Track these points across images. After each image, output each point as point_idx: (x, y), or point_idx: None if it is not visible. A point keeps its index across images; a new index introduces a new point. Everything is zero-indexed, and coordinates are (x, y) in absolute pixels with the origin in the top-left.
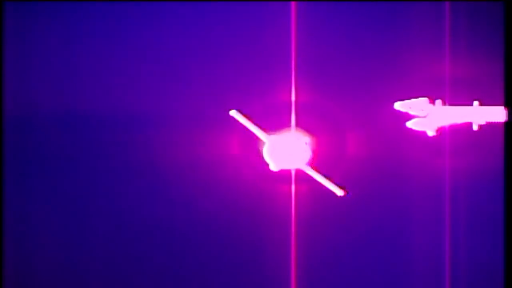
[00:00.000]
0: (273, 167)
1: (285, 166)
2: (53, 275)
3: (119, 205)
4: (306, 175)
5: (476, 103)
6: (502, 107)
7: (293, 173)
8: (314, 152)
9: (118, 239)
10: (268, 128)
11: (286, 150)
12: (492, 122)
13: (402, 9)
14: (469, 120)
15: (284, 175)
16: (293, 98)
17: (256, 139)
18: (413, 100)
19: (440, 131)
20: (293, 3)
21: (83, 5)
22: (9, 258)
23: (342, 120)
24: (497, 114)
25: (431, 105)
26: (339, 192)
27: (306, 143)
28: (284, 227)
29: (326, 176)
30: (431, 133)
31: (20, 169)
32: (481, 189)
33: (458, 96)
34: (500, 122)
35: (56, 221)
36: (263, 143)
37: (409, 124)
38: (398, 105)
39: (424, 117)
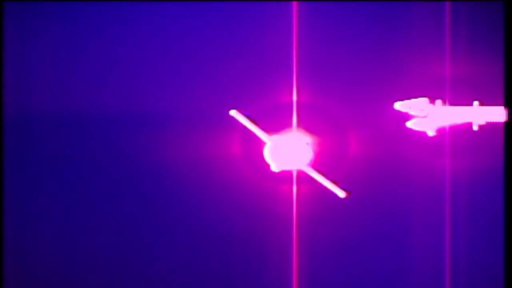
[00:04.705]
0: (275, 167)
1: (287, 167)
2: (53, 275)
3: (119, 205)
4: (308, 176)
5: (476, 103)
6: (502, 107)
7: (294, 173)
8: (316, 152)
9: (118, 239)
10: (269, 128)
11: (288, 151)
12: (492, 122)
13: (402, 9)
14: (469, 120)
15: (285, 175)
16: (294, 98)
17: (257, 139)
18: (413, 100)
19: (440, 131)
20: (294, 3)
21: (83, 5)
22: (9, 258)
23: (343, 120)
24: (497, 114)
25: (431, 105)
26: (340, 193)
27: (307, 144)
28: (285, 228)
29: (327, 177)
30: (431, 133)
31: (20, 169)
32: (481, 189)
33: (458, 96)
34: (500, 122)
35: (56, 221)
36: (265, 143)
37: (409, 124)
38: (398, 105)
39: (424, 117)
